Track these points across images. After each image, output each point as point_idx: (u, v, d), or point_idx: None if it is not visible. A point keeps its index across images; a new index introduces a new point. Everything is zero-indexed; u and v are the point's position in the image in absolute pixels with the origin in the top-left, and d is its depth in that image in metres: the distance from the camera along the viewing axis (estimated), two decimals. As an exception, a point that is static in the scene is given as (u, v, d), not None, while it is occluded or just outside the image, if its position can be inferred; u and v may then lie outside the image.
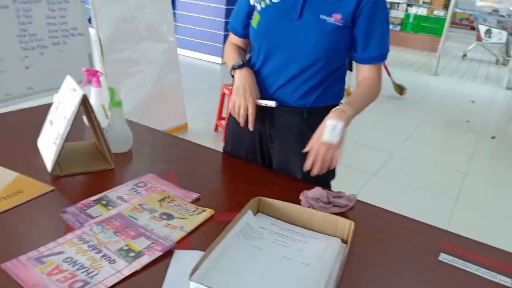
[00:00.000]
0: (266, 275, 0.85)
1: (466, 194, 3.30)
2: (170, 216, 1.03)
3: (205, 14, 6.38)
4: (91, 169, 1.21)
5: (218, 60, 6.46)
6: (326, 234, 1.01)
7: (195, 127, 3.90)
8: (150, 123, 1.66)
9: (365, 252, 0.98)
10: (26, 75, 2.42)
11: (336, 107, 1.19)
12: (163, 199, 1.09)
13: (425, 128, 4.79)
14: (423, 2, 12.12)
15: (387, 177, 3.45)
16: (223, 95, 3.72)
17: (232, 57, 1.37)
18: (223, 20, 6.19)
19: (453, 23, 13.92)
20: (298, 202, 1.12)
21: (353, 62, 1.32)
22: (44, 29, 2.48)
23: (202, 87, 5.20)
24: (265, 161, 1.43)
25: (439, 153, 4.14)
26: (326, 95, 1.31)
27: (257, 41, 1.31)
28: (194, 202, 1.11)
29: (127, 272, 0.83)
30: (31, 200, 1.03)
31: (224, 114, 3.78)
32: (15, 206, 1.00)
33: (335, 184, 1.40)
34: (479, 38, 9.94)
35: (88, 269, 0.82)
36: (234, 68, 1.31)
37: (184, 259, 0.89)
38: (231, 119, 1.37)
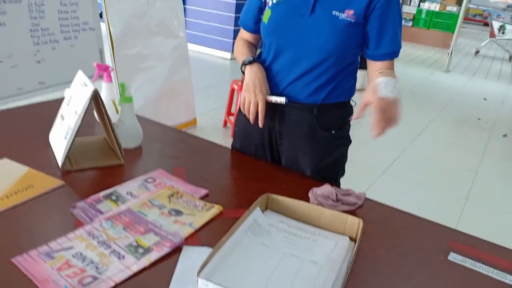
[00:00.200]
0: (274, 272, 0.85)
1: (477, 192, 3.27)
2: (179, 212, 1.03)
3: (215, 9, 6.37)
4: (101, 164, 1.22)
5: (228, 55, 6.45)
6: (335, 232, 1.01)
7: (204, 122, 3.90)
8: (159, 119, 1.67)
9: (374, 250, 0.98)
10: (38, 70, 2.45)
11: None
12: (172, 195, 1.10)
13: (436, 125, 4.74)
14: (436, -3, 11.98)
15: (397, 175, 3.43)
16: (233, 90, 3.71)
17: (242, 52, 1.37)
18: (233, 15, 6.18)
19: (466, 19, 13.75)
20: (307, 199, 1.12)
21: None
22: (56, 24, 2.49)
23: (212, 83, 5.20)
24: (274, 158, 1.42)
25: (449, 151, 4.10)
26: (337, 91, 1.30)
27: (268, 37, 1.30)
28: (203, 198, 1.11)
29: (136, 268, 0.83)
30: (41, 195, 1.04)
31: (233, 110, 3.78)
32: (26, 201, 1.01)
33: (344, 182, 1.40)
34: (492, 35, 9.81)
35: (97, 264, 0.83)
36: (244, 64, 1.31)
37: (192, 256, 0.89)
38: (241, 115, 1.37)
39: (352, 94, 1.36)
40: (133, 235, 0.93)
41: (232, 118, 3.74)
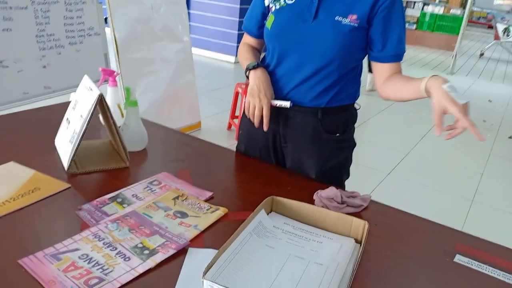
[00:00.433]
0: (279, 274, 0.85)
1: (483, 194, 3.26)
2: (184, 214, 1.04)
3: (219, 14, 6.40)
4: (107, 167, 1.22)
5: (232, 59, 6.48)
6: (340, 234, 1.00)
7: (208, 125, 3.92)
8: (164, 122, 1.67)
9: (379, 252, 0.98)
10: (43, 74, 2.47)
11: (422, 80, 1.11)
12: (177, 197, 1.10)
13: (441, 127, 4.72)
14: (440, 1, 11.95)
15: (402, 176, 3.42)
16: (237, 93, 3.73)
17: (246, 57, 1.37)
18: (237, 19, 6.20)
19: (470, 22, 13.72)
20: (311, 201, 1.12)
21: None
22: (61, 29, 2.52)
23: (216, 86, 5.22)
24: (278, 160, 1.43)
25: (455, 153, 4.09)
26: (341, 95, 1.30)
27: (271, 42, 1.31)
28: (207, 200, 1.11)
29: (141, 269, 0.84)
30: (47, 197, 1.05)
31: (238, 113, 3.79)
32: (32, 203, 1.02)
33: (349, 184, 1.40)
34: (497, 37, 9.79)
35: (103, 266, 0.84)
36: (248, 69, 1.32)
37: (197, 258, 0.89)
38: (245, 118, 1.38)
39: (356, 97, 1.36)
40: (138, 237, 0.93)
41: (236, 121, 3.75)
